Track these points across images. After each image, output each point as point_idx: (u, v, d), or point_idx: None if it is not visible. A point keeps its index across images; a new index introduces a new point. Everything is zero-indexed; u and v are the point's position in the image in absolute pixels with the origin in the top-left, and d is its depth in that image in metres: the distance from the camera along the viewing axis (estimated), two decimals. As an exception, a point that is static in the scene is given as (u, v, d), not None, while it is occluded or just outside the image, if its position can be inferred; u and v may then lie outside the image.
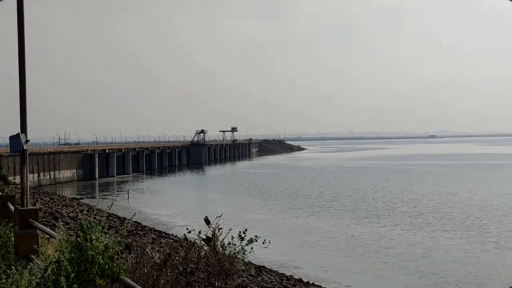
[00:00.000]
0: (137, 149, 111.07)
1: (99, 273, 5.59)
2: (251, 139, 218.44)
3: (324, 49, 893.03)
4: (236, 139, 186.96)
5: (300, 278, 24.22)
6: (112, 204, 6.35)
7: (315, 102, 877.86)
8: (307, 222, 41.54)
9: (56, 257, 5.87)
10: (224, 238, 10.10)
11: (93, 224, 5.91)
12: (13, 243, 8.74)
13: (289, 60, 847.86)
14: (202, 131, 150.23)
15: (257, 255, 13.15)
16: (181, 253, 9.37)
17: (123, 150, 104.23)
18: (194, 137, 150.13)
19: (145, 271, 8.24)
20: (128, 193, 62.55)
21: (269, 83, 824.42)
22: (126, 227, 6.00)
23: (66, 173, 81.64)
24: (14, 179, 48.89)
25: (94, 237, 5.77)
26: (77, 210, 32.53)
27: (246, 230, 10.03)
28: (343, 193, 60.67)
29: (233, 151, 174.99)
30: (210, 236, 10.02)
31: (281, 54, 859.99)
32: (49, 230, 7.49)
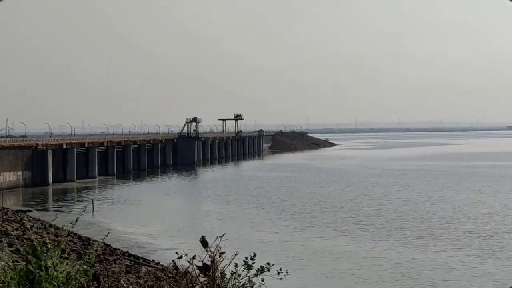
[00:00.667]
0: (105, 144, 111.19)
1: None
2: (261, 130, 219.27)
3: (366, 9, 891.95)
4: (241, 131, 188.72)
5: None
6: (77, 220, 6.30)
7: (350, 80, 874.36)
8: (337, 244, 41.92)
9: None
10: (226, 266, 10.16)
11: (49, 246, 5.72)
12: None
13: (315, 25, 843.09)
14: (195, 120, 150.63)
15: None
16: (169, 286, 9.35)
17: (86, 145, 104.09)
18: (183, 128, 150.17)
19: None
20: (92, 203, 63.33)
21: (287, 55, 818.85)
22: (96, 250, 6.04)
23: (8, 176, 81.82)
24: None
25: (50, 263, 5.57)
26: (25, 227, 32.32)
27: (255, 255, 10.04)
28: (387, 206, 61.35)
29: (236, 147, 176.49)
30: (208, 263, 10.02)
31: (305, 17, 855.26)
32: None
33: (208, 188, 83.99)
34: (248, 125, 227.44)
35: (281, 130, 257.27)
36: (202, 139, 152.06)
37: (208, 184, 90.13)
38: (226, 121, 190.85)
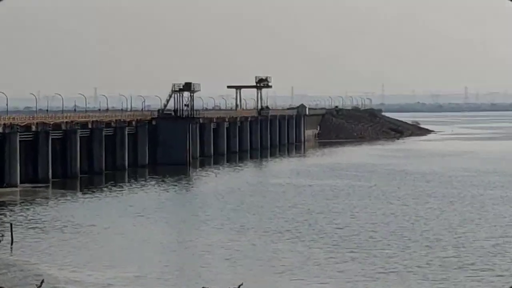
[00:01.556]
0: (34, 129, 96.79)
1: None
2: (302, 106, 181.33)
3: None
4: (267, 107, 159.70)
5: None
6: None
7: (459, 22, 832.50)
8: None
9: None
10: None
11: None
12: None
13: None
14: (188, 87, 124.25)
15: None
16: None
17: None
18: (167, 102, 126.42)
19: None
20: (11, 230, 57.75)
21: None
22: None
23: None
24: None
25: None
26: None
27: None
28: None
29: (259, 134, 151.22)
30: None
31: None
32: None
33: (209, 206, 76.59)
34: (279, 97, 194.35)
35: (336, 106, 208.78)
36: (200, 120, 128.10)
37: (210, 200, 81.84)
38: (242, 90, 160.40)
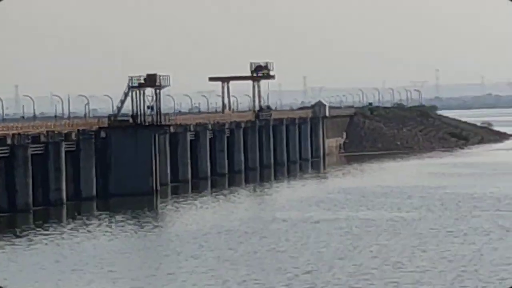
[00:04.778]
0: None
1: None
2: (319, 104, 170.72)
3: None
4: (268, 106, 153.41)
5: None
6: None
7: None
8: None
9: None
10: None
11: None
12: None
13: None
14: (152, 81, 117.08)
15: None
16: None
17: None
18: (122, 102, 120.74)
19: None
20: None
21: None
22: None
23: None
24: None
25: None
26: None
27: None
28: None
29: (257, 146, 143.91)
30: None
31: None
32: None
33: (181, 256, 73.76)
34: (286, 92, 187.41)
35: (370, 103, 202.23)
36: (171, 129, 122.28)
37: (183, 247, 77.88)
38: (232, 83, 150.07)
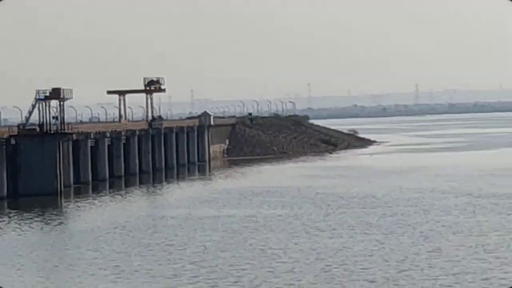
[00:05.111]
0: None
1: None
2: (205, 114, 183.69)
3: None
4: (160, 116, 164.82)
5: None
6: None
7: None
8: None
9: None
10: None
11: None
12: None
13: None
14: (57, 94, 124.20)
15: None
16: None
17: None
18: (29, 114, 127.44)
19: None
20: None
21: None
22: None
23: None
24: None
25: None
26: None
27: None
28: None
29: (150, 151, 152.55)
30: None
31: None
32: None
33: (82, 247, 74.99)
34: (176, 104, 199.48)
35: (250, 113, 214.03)
36: (74, 136, 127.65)
37: (84, 240, 79.47)
38: (127, 96, 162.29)
